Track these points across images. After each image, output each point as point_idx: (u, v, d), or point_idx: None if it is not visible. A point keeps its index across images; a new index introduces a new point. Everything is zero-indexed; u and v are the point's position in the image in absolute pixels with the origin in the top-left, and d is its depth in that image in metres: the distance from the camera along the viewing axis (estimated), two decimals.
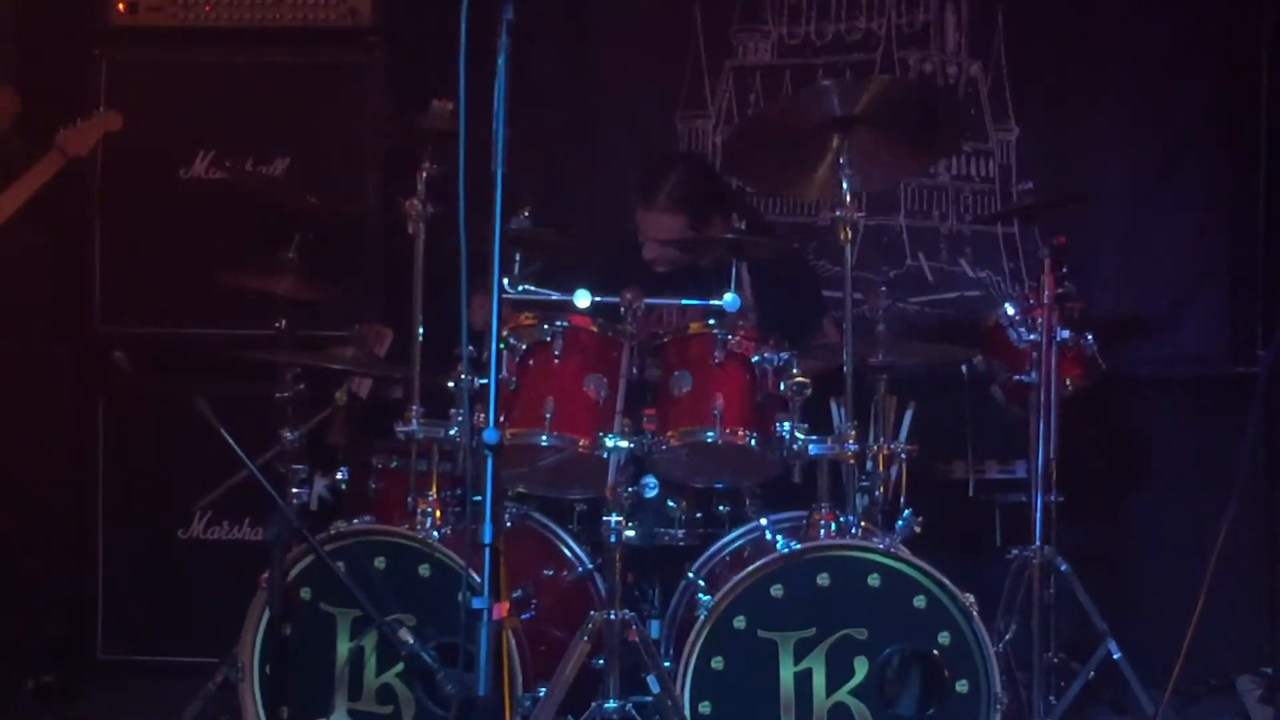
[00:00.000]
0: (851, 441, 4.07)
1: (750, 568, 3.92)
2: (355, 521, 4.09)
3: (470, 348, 3.67)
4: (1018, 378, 4.62)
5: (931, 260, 5.64)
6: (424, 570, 3.96)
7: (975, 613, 3.88)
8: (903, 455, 4.42)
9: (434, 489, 4.12)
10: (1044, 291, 4.54)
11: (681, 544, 4.39)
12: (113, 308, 5.31)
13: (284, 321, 4.63)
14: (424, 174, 4.21)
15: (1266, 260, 5.31)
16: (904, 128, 4.22)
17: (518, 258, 4.23)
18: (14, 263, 4.93)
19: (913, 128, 4.25)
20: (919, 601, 3.90)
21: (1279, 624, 4.82)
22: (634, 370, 4.12)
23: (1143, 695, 4.50)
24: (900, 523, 4.27)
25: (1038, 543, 4.50)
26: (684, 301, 4.34)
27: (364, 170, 5.21)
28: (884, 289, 4.61)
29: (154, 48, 5.31)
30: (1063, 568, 4.56)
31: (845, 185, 4.09)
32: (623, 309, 4.15)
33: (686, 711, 3.87)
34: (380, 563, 3.99)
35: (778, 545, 3.99)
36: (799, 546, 3.95)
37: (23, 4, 5.45)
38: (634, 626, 3.92)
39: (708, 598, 3.96)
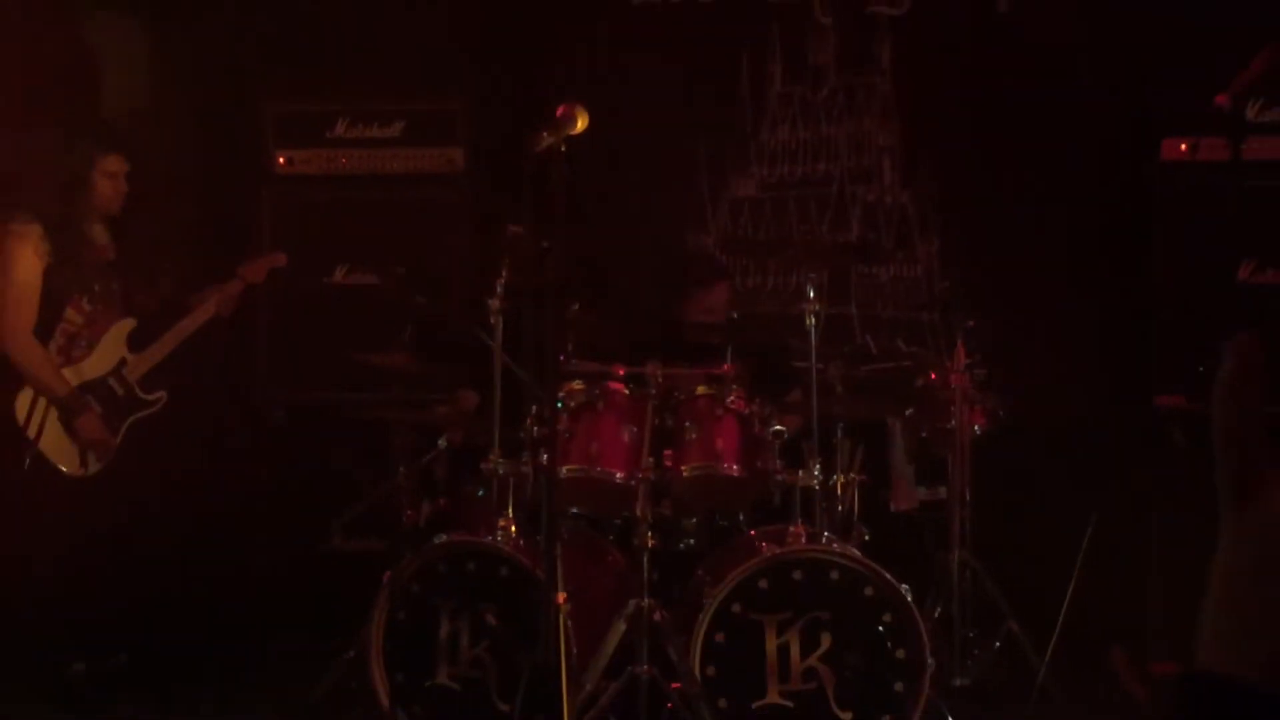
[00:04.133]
0: (817, 474, 4.13)
1: (743, 566, 3.95)
2: (453, 535, 4.11)
3: (534, 407, 3.71)
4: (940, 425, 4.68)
5: (876, 338, 5.67)
6: (504, 571, 3.98)
7: (910, 599, 3.91)
8: (856, 484, 4.48)
9: (511, 510, 4.09)
10: (959, 361, 4.62)
11: (693, 549, 4.42)
12: (274, 378, 5.36)
13: (400, 388, 4.69)
14: (501, 279, 4.22)
15: (1136, 338, 5.18)
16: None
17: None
18: (200, 346, 5.00)
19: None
20: (868, 591, 3.92)
21: (1145, 606, 4.78)
22: (656, 421, 4.17)
23: (1035, 660, 4.50)
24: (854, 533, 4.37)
25: (956, 547, 4.57)
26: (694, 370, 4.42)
27: (457, 277, 5.23)
28: (840, 360, 4.68)
29: (305, 189, 5.40)
30: (975, 565, 4.58)
31: (809, 289, 4.23)
32: (647, 377, 4.23)
33: (698, 674, 3.90)
34: (472, 565, 4.01)
35: (764, 550, 4.01)
36: (779, 551, 3.98)
37: (210, 159, 5.55)
38: (658, 610, 3.94)
39: (712, 589, 3.98)
